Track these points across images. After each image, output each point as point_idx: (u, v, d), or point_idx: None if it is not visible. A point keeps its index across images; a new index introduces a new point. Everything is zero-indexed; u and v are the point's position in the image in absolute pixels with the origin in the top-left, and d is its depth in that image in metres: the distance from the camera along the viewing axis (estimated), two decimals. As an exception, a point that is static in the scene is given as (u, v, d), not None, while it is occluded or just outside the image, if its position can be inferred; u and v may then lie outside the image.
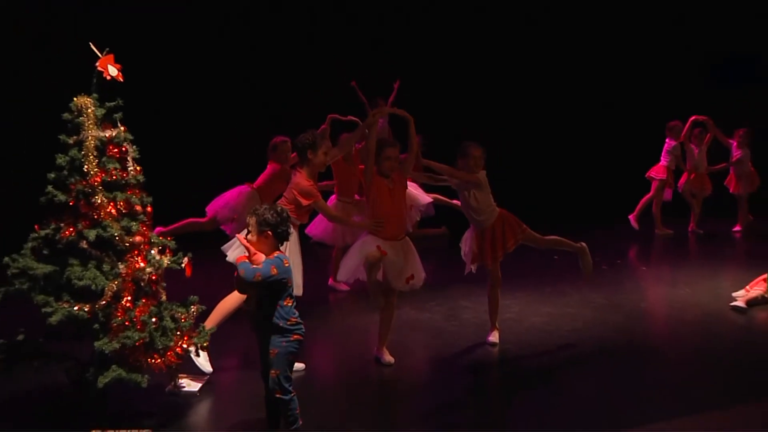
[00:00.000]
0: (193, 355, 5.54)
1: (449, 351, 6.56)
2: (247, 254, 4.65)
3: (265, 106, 10.86)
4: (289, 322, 4.62)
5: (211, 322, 5.71)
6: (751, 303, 7.77)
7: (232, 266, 6.13)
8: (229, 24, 11.38)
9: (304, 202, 5.93)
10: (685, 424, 5.15)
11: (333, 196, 7.97)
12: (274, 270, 4.52)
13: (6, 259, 4.87)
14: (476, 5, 12.81)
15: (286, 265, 4.61)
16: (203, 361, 5.70)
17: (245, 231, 4.92)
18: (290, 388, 4.64)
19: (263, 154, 7.87)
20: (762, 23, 13.62)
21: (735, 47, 13.82)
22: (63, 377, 5.09)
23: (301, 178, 6.02)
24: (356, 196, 7.91)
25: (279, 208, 4.81)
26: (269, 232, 4.65)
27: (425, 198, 8.15)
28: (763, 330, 7.37)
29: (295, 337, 4.63)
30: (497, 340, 6.62)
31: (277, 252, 4.69)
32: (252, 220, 4.70)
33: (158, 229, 6.61)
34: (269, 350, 4.62)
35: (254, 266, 4.53)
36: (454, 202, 7.70)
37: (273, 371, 4.59)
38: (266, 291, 4.62)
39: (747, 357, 6.63)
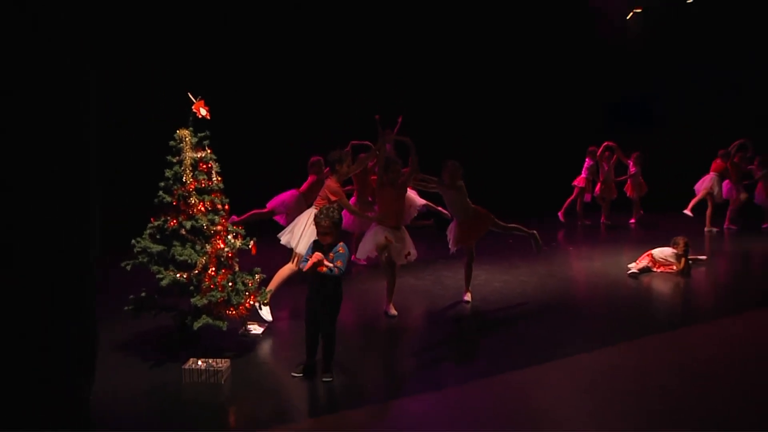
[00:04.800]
0: (258, 309, 5.60)
1: (436, 307, 6.56)
2: (320, 264, 4.38)
3: (305, 133, 10.84)
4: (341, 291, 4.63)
5: (271, 286, 5.75)
6: (641, 271, 7.87)
7: (284, 248, 6.21)
8: (281, 79, 11.43)
9: (333, 198, 5.90)
10: (602, 352, 5.24)
11: (353, 198, 7.97)
12: (347, 259, 4.52)
13: (132, 241, 4.97)
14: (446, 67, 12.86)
15: (342, 252, 4.49)
16: (266, 313, 5.74)
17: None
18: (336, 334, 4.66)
19: (304, 167, 7.93)
20: (652, 76, 13.69)
21: (630, 94, 13.81)
22: (170, 322, 5.18)
23: (332, 182, 6.03)
24: (369, 198, 7.93)
25: (335, 206, 4.73)
26: (340, 226, 4.61)
27: (420, 201, 8.09)
28: (647, 288, 7.39)
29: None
30: (470, 299, 6.63)
31: (340, 242, 4.56)
32: (328, 222, 4.48)
33: (233, 217, 6.63)
34: (328, 311, 4.57)
35: (337, 269, 4.40)
36: (439, 208, 7.73)
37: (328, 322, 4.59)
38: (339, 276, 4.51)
39: (639, 306, 6.77)
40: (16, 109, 3.25)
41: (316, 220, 4.58)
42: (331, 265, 4.41)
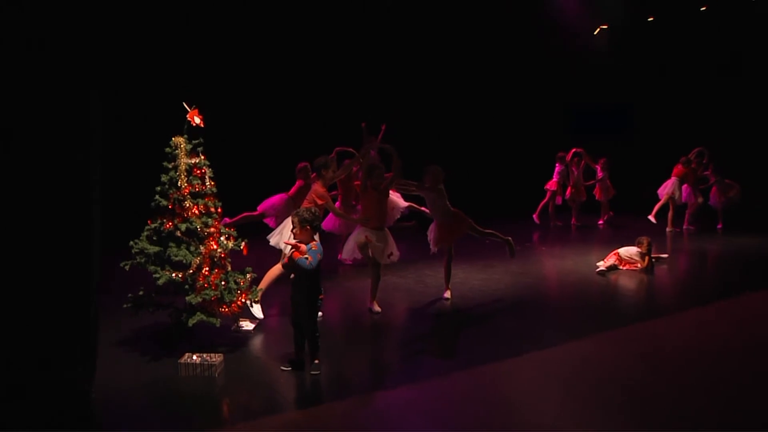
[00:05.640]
0: (250, 306, 5.58)
1: (418, 303, 6.58)
2: (296, 249, 4.43)
3: (294, 140, 10.79)
4: (318, 288, 4.58)
5: (262, 285, 5.74)
6: (609, 268, 7.98)
7: (274, 249, 6.23)
8: (276, 90, 11.46)
9: (319, 202, 5.91)
10: (572, 344, 5.30)
11: (338, 201, 7.98)
12: (319, 256, 4.46)
13: (131, 242, 4.96)
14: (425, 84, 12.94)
15: (314, 249, 4.47)
16: (257, 311, 5.73)
17: (291, 235, 4.76)
18: (317, 328, 4.65)
19: (293, 172, 7.92)
20: (618, 86, 13.90)
21: (599, 100, 13.87)
22: (167, 319, 5.17)
23: (318, 186, 6.04)
24: (353, 201, 7.93)
25: (313, 210, 4.67)
26: (308, 227, 4.56)
27: (404, 203, 8.04)
28: (614, 285, 7.49)
29: (321, 296, 4.64)
30: (449, 296, 6.66)
31: (314, 241, 4.55)
32: (295, 219, 4.56)
33: (225, 219, 6.61)
34: (305, 306, 4.56)
35: (309, 260, 4.38)
36: (423, 209, 7.75)
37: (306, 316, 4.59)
38: (310, 271, 4.46)
39: (607, 301, 6.87)
40: (30, 118, 3.25)
41: (291, 218, 4.66)
42: (305, 256, 4.42)
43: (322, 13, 11.51)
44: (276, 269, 5.91)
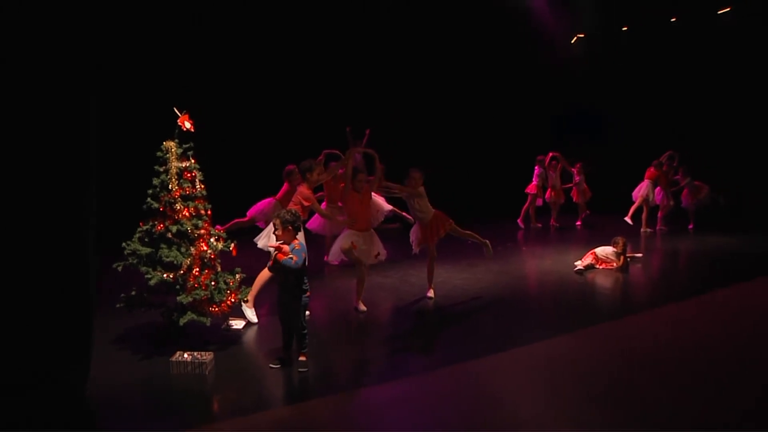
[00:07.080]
0: (244, 311, 5.58)
1: (402, 302, 6.61)
2: (279, 251, 4.49)
3: (281, 143, 10.79)
4: (305, 286, 4.62)
5: (253, 290, 5.69)
6: (586, 267, 8.06)
7: (261, 250, 6.22)
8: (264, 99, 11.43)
9: (305, 203, 5.90)
10: (551, 341, 5.35)
11: (324, 203, 7.97)
12: (303, 255, 4.51)
13: (123, 244, 4.95)
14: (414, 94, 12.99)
15: (298, 248, 4.51)
16: (251, 315, 5.71)
17: (274, 237, 4.75)
18: (305, 326, 4.69)
19: (280, 175, 7.91)
20: (597, 89, 14.04)
21: (577, 105, 13.95)
22: (159, 318, 5.16)
23: (303, 188, 6.03)
24: (339, 203, 7.94)
25: (294, 211, 4.73)
26: (290, 227, 4.61)
27: (388, 207, 8.12)
28: (591, 283, 7.56)
29: (308, 294, 4.66)
30: (433, 295, 6.69)
31: (296, 240, 4.60)
32: (277, 221, 4.61)
33: (218, 227, 6.59)
34: (293, 304, 4.59)
35: (294, 260, 4.43)
36: (404, 213, 7.78)
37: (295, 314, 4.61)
38: (296, 270, 4.50)
39: (584, 299, 6.92)
40: (36, 127, 3.23)
41: (273, 220, 4.68)
42: (289, 256, 4.45)
43: (309, 20, 11.52)
44: (266, 273, 5.88)
